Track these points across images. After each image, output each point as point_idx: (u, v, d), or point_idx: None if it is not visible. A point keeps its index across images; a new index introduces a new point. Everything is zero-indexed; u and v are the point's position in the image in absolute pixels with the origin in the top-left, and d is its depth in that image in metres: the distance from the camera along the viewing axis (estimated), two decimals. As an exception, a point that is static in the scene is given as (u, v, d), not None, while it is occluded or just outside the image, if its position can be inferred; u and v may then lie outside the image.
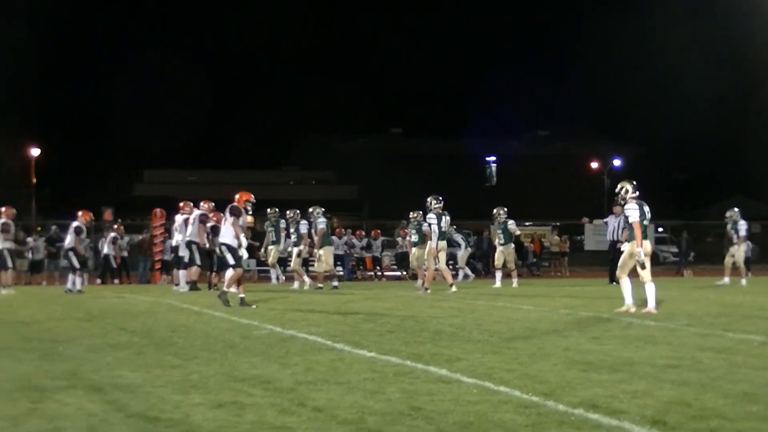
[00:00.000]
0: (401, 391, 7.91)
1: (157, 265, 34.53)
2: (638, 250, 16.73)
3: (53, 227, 38.53)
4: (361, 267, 40.34)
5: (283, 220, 29.21)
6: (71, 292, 24.52)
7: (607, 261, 30.24)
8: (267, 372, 9.06)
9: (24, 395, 7.83)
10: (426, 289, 23.22)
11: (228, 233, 19.10)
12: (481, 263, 41.95)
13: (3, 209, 25.80)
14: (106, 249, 34.22)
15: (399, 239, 38.94)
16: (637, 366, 9.27)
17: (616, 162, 77.74)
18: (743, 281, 27.56)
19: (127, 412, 7.15)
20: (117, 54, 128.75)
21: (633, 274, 16.67)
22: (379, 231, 42.22)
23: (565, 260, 46.07)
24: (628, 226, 17.34)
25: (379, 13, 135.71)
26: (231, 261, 19.14)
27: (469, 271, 36.04)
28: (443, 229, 23.82)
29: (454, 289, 23.61)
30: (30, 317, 16.42)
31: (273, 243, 29.49)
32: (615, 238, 28.59)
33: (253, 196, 20.00)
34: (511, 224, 28.29)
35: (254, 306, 18.12)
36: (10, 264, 25.51)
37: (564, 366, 9.33)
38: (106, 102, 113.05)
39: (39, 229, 40.57)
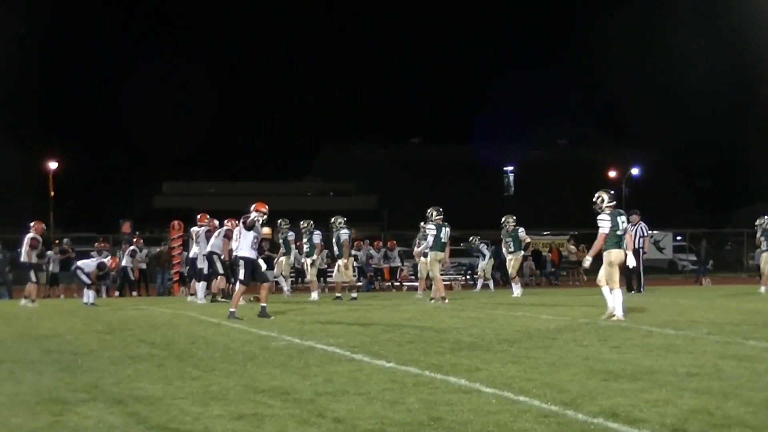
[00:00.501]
0: (421, 401, 7.93)
1: (176, 277, 34.67)
2: (588, 258, 18.12)
3: (65, 240, 38.73)
4: (379, 278, 40.38)
5: (291, 232, 29.29)
6: (87, 306, 24.63)
7: (623, 270, 30.24)
8: (286, 383, 9.08)
9: (46, 408, 7.87)
10: (443, 298, 23.20)
11: (247, 248, 19.11)
12: (500, 273, 41.90)
13: (33, 224, 26.01)
14: (124, 261, 34.34)
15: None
16: (658, 375, 9.26)
17: (634, 171, 77.73)
18: (762, 289, 27.26)
19: (148, 424, 7.19)
20: (136, 66, 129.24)
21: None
22: (395, 242, 42.34)
23: (582, 269, 45.98)
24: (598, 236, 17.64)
25: (399, 25, 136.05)
26: (241, 276, 19.20)
27: (491, 283, 36.01)
28: (443, 240, 23.93)
29: (446, 301, 23.55)
30: (51, 330, 16.45)
31: (284, 254, 29.54)
32: (634, 246, 28.64)
33: (266, 207, 19.89)
34: (521, 232, 28.10)
35: (272, 317, 18.16)
36: (34, 278, 25.71)
37: (584, 375, 9.33)
38: (125, 114, 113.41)
39: (57, 242, 40.69)
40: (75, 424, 7.21)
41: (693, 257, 52.33)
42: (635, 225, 29.01)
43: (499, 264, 41.09)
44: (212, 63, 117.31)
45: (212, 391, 8.66)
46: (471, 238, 37.70)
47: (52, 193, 65.39)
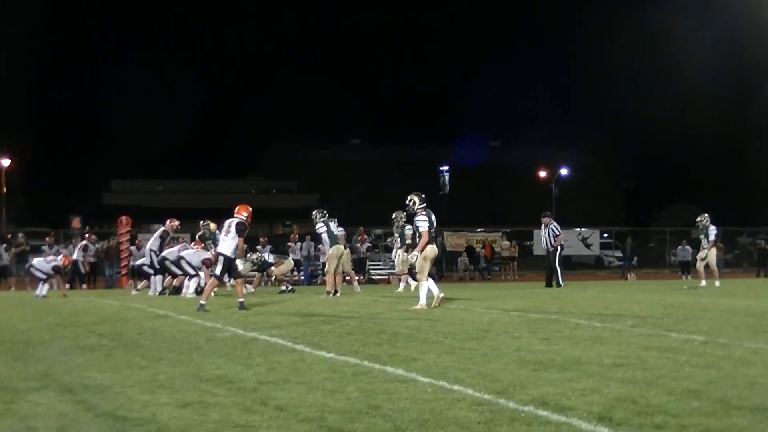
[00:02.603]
0: (360, 390, 8.13)
1: (124, 271, 34.94)
2: (416, 253, 18.91)
3: (20, 234, 38.79)
4: (320, 272, 40.46)
5: (217, 231, 29.36)
6: (39, 298, 24.85)
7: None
8: (231, 372, 9.26)
9: (-3, 396, 7.97)
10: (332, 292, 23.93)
11: (230, 246, 19.28)
12: (435, 268, 42.22)
13: None
14: (75, 255, 34.49)
15: (357, 245, 39.39)
16: (586, 365, 9.51)
17: (563, 171, 78.38)
18: (717, 283, 27.99)
19: (97, 411, 7.33)
20: (85, 65, 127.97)
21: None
22: (366, 236, 42.50)
23: (514, 264, 46.50)
24: (419, 234, 18.92)
25: (339, 26, 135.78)
26: (217, 271, 19.48)
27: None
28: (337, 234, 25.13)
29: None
30: (2, 321, 16.56)
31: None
32: (547, 246, 29.59)
33: (249, 210, 20.11)
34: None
35: (249, 310, 18.48)
36: None
37: (516, 365, 9.57)
38: (74, 113, 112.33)
39: (9, 237, 40.64)
40: (26, 412, 7.34)
41: (619, 254, 53.00)
42: (547, 226, 29.83)
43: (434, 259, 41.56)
44: (159, 66, 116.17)
45: (159, 379, 8.81)
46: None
47: (5, 190, 64.71)
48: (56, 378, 9.02)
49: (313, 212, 25.50)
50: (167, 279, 26.45)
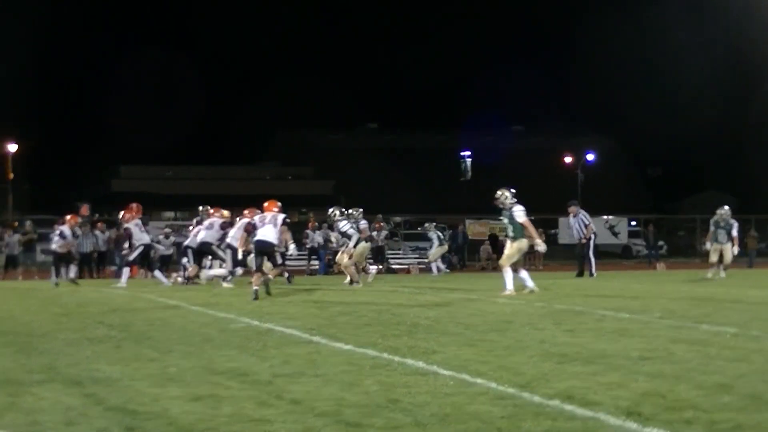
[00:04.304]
0: (378, 383, 7.95)
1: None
2: (538, 241, 20.17)
3: (27, 222, 38.49)
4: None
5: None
6: (56, 285, 24.96)
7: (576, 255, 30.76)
8: (244, 365, 9.08)
9: (1, 389, 7.82)
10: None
11: (275, 237, 20.21)
12: (457, 257, 42.08)
13: None
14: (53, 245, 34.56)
15: (374, 233, 39.10)
16: (612, 358, 9.32)
17: (590, 156, 78.07)
18: (723, 274, 27.61)
19: (106, 405, 7.15)
20: (94, 49, 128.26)
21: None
22: (383, 224, 42.26)
23: (539, 253, 46.17)
24: (515, 225, 19.70)
25: (357, 8, 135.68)
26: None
27: (440, 265, 36.33)
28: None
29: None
30: (6, 312, 16.40)
31: None
32: (579, 236, 29.27)
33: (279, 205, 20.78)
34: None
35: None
36: None
37: (539, 358, 9.38)
38: (84, 98, 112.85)
39: (16, 224, 40.44)
40: (31, 405, 7.17)
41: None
42: (575, 216, 29.53)
43: (457, 248, 41.45)
44: (170, 49, 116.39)
45: (170, 372, 8.65)
46: (426, 224, 38.09)
47: (11, 176, 64.79)
48: (62, 371, 8.84)
49: (331, 210, 25.32)
50: (192, 268, 26.23)
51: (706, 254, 29.65)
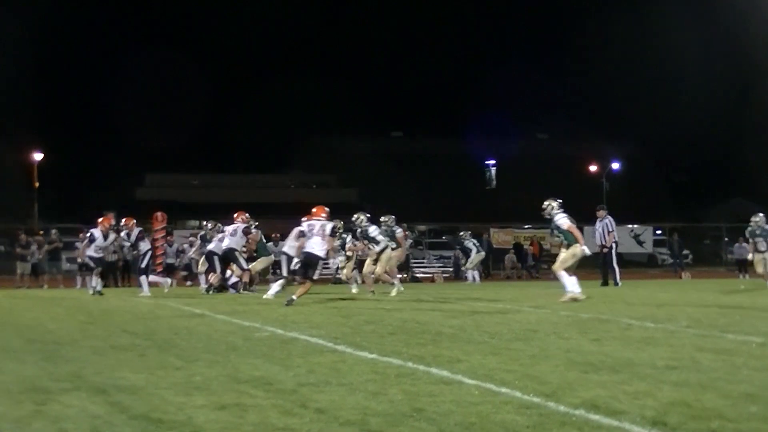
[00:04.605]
0: (403, 392, 7.91)
1: (159, 268, 34.76)
2: (583, 247, 19.80)
3: (53, 231, 38.64)
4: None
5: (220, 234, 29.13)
6: (94, 293, 24.85)
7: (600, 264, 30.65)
8: (269, 374, 9.06)
9: (28, 397, 7.82)
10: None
11: (322, 247, 20.44)
12: (482, 266, 42.06)
13: None
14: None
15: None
16: (638, 367, 9.27)
17: (615, 165, 77.85)
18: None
19: (131, 413, 7.14)
20: (118, 58, 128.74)
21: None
22: (408, 232, 42.26)
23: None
24: (563, 232, 19.97)
25: (379, 16, 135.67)
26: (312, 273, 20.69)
27: (475, 274, 36.68)
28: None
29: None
30: (33, 320, 16.44)
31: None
32: (601, 242, 29.14)
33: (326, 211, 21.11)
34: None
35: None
36: None
37: (565, 367, 9.34)
38: (108, 106, 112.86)
39: (41, 232, 40.64)
40: (58, 413, 7.16)
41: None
42: (601, 220, 29.41)
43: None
44: (195, 56, 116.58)
45: (195, 381, 8.63)
46: (461, 233, 38.54)
47: (37, 184, 65.09)
48: (88, 379, 8.85)
49: (357, 216, 25.13)
50: (215, 275, 26.25)
51: (736, 263, 29.51)
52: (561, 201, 20.15)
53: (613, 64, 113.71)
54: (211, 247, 26.89)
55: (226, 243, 25.83)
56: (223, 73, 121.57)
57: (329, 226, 20.48)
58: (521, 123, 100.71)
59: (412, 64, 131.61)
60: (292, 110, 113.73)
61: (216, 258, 26.21)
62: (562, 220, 19.71)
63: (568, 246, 19.74)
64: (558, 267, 19.86)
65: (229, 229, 26.22)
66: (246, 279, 26.35)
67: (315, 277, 21.40)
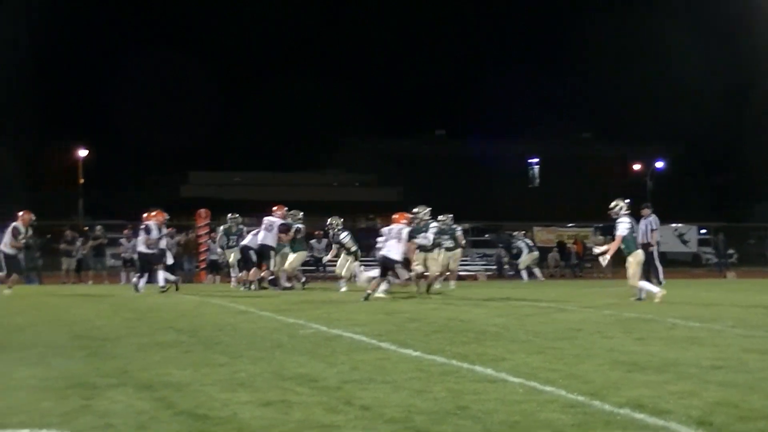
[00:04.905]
0: (447, 390, 7.92)
1: (202, 265, 34.94)
2: (607, 256, 20.61)
3: (98, 227, 38.88)
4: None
5: (244, 228, 29.07)
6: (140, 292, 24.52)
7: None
8: (313, 371, 9.09)
9: (75, 392, 7.88)
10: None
11: (398, 250, 20.94)
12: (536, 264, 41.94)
13: (21, 213, 24.98)
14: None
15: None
16: (683, 367, 9.23)
17: (659, 164, 77.35)
18: None
19: (176, 409, 7.19)
20: (164, 55, 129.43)
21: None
22: None
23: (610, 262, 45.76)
24: (624, 237, 19.73)
25: (420, 16, 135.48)
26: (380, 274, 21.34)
27: (532, 274, 36.93)
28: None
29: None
30: (80, 316, 16.52)
31: (229, 248, 29.15)
32: (646, 240, 28.93)
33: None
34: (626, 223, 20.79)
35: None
36: (4, 268, 24.58)
37: (609, 366, 9.32)
38: (152, 103, 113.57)
39: (86, 229, 40.90)
40: (104, 409, 7.22)
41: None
42: (646, 218, 29.23)
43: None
44: (238, 54, 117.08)
45: (240, 377, 8.67)
46: (514, 233, 38.89)
47: (82, 181, 65.53)
48: (134, 375, 8.91)
49: (419, 210, 24.71)
50: (252, 271, 26.19)
51: None
52: (629, 201, 20.15)
53: (658, 63, 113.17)
54: (246, 242, 26.81)
55: (261, 237, 25.72)
56: (265, 72, 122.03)
57: (406, 230, 21.07)
58: (565, 122, 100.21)
59: (457, 63, 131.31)
60: (335, 108, 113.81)
61: (252, 253, 26.13)
62: (620, 225, 19.55)
63: (628, 253, 19.57)
64: (634, 281, 19.69)
65: (264, 222, 26.07)
66: (269, 276, 26.25)
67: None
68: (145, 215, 25.99)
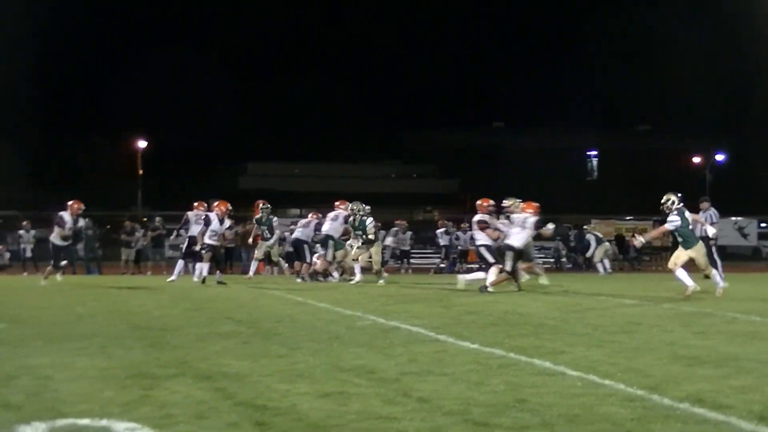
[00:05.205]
0: (505, 383, 7.90)
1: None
2: (641, 238, 21.36)
3: (157, 218, 39.18)
4: (462, 260, 40.33)
5: (275, 217, 29.08)
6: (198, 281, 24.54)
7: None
8: (371, 362, 9.10)
9: (135, 382, 7.95)
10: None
11: (521, 239, 21.11)
12: (583, 257, 41.76)
13: (70, 203, 24.99)
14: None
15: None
16: (743, 361, 9.15)
17: (719, 157, 76.60)
18: None
19: (236, 400, 7.23)
20: (220, 49, 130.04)
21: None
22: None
23: (667, 254, 45.51)
24: (680, 232, 19.56)
25: (483, 8, 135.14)
26: (490, 260, 21.31)
27: (606, 264, 37.16)
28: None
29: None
30: (139, 306, 16.65)
31: (264, 239, 29.08)
32: (703, 234, 28.67)
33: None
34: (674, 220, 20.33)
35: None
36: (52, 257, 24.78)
37: (668, 360, 9.25)
38: (210, 95, 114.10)
39: (145, 219, 41.23)
40: (164, 399, 7.27)
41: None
42: (705, 212, 29.00)
43: (582, 248, 41.24)
44: (291, 47, 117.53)
45: (298, 368, 8.69)
46: (585, 226, 38.99)
47: (141, 172, 66.03)
48: (193, 365, 8.96)
49: (510, 202, 24.45)
50: (305, 264, 26.27)
51: None
52: (681, 196, 19.80)
53: (716, 56, 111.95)
54: (297, 234, 26.90)
55: (326, 228, 25.78)
56: (323, 64, 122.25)
57: (531, 219, 21.27)
58: (623, 115, 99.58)
59: (516, 56, 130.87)
60: (393, 100, 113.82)
61: (306, 246, 26.23)
62: (669, 221, 19.40)
63: (686, 247, 19.39)
64: (675, 267, 19.43)
65: (330, 215, 26.12)
66: (317, 269, 26.27)
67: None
68: (196, 204, 26.22)
